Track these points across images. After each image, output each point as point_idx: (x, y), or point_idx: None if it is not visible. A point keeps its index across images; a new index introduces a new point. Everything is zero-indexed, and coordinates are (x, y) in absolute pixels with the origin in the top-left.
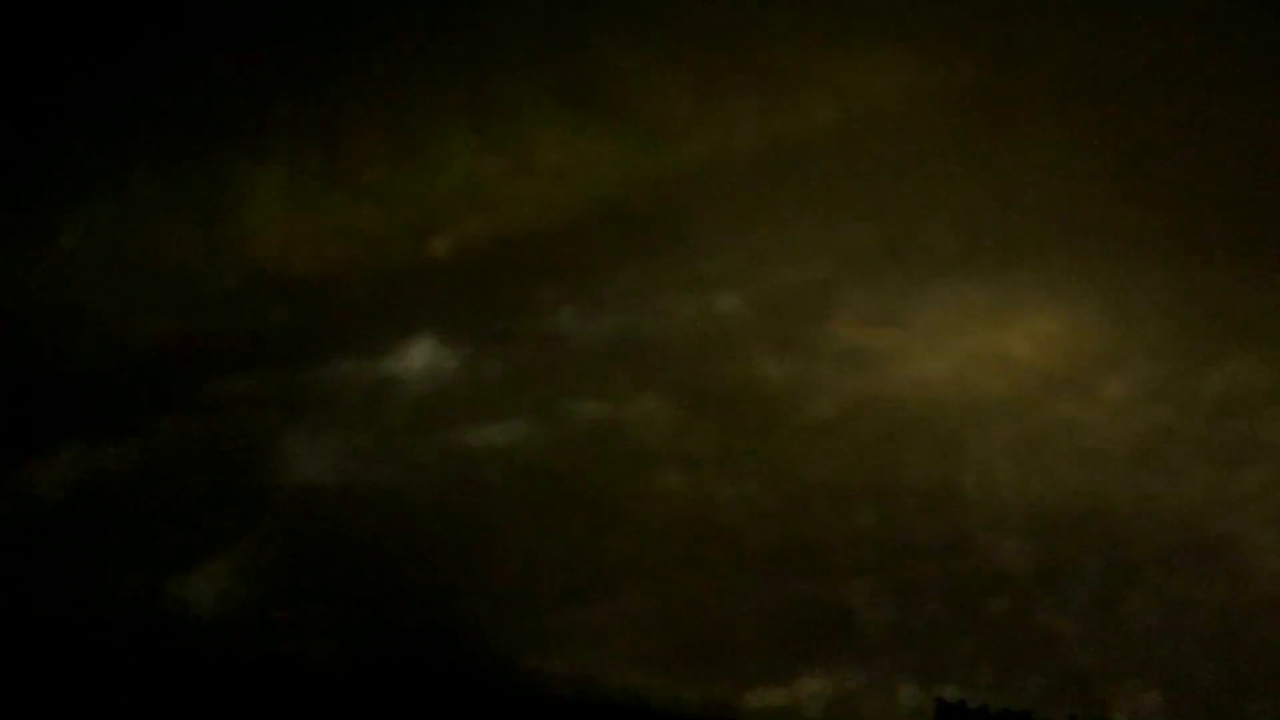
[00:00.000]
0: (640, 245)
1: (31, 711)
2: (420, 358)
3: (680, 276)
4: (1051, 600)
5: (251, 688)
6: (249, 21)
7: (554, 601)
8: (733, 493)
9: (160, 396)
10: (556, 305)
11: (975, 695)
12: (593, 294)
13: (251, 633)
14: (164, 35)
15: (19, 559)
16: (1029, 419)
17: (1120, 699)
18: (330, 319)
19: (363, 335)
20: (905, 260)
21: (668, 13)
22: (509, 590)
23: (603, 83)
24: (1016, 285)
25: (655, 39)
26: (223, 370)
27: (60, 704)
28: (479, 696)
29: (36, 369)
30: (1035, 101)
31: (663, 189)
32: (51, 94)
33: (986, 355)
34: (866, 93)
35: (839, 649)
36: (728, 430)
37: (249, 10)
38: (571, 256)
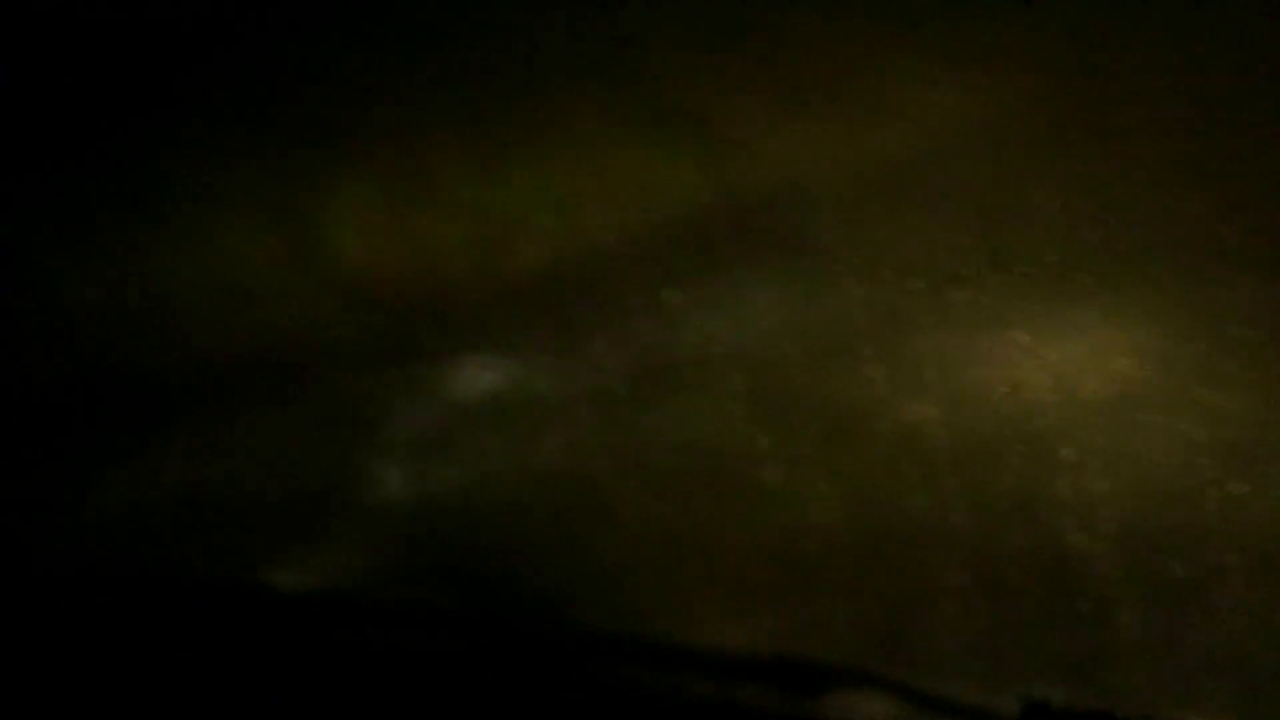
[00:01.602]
0: (726, 259)
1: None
2: (501, 369)
3: (753, 293)
4: (1139, 604)
5: (346, 674)
6: (341, 33)
7: (647, 605)
8: (829, 499)
9: (238, 402)
10: (636, 318)
11: (1061, 696)
12: (676, 306)
13: (346, 623)
14: (254, 46)
15: (118, 557)
16: (1125, 425)
17: (1200, 704)
18: (411, 329)
19: (443, 346)
20: (1004, 272)
21: (750, 28)
22: (605, 592)
23: (685, 95)
24: (1115, 296)
25: (738, 54)
26: (302, 378)
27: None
28: (567, 693)
29: (117, 371)
30: (1132, 116)
31: (746, 202)
32: (147, 104)
33: (1084, 364)
34: (957, 106)
35: (928, 649)
36: (816, 443)
37: (340, 23)
38: (656, 269)
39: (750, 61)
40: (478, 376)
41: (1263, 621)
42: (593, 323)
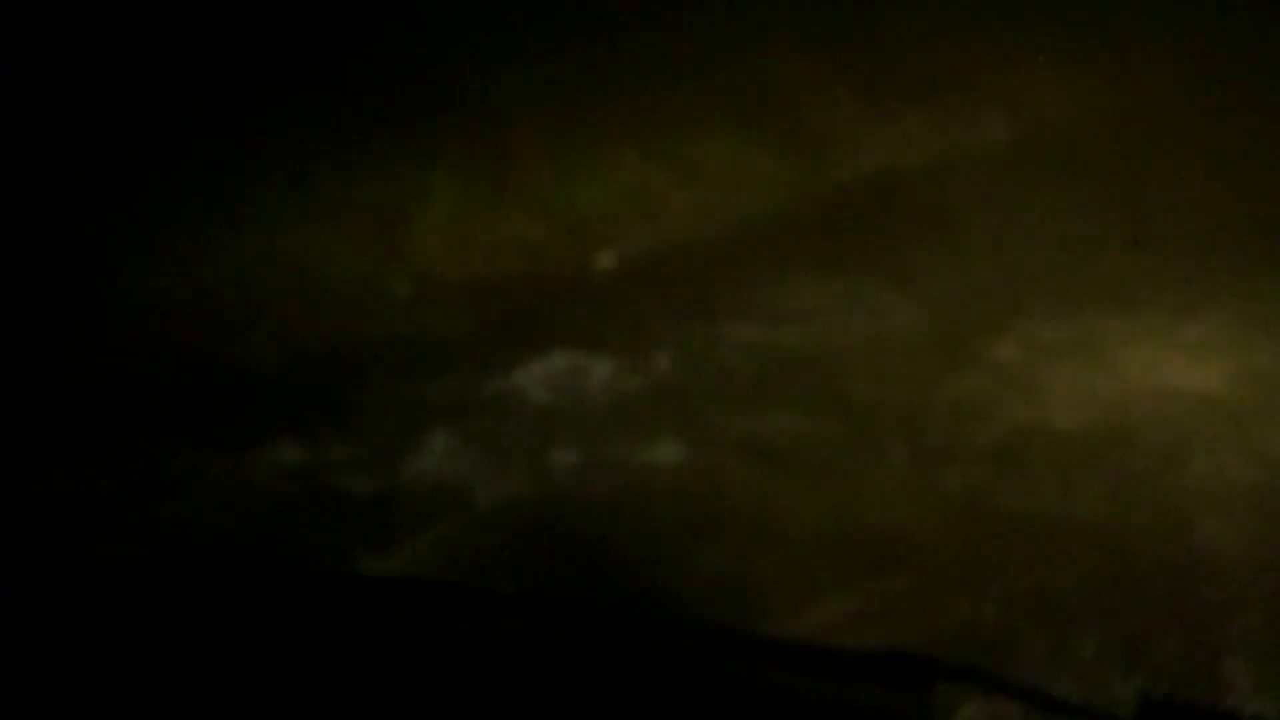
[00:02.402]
0: (808, 259)
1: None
2: (585, 369)
3: (849, 291)
4: (1267, 592)
5: (432, 654)
6: (425, 30)
7: (754, 600)
8: (877, 513)
9: (331, 399)
10: (725, 318)
11: (1184, 690)
12: (761, 307)
13: (450, 610)
14: (342, 43)
15: (196, 551)
16: (1196, 453)
17: None
18: (498, 328)
19: (529, 345)
20: (1086, 281)
21: (835, 25)
22: (659, 603)
23: (769, 95)
24: (1208, 313)
25: (822, 52)
26: (392, 376)
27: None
28: (673, 683)
29: (216, 367)
30: (1225, 118)
31: (831, 202)
32: (233, 103)
33: (1153, 385)
34: (1041, 107)
35: (1047, 640)
36: (902, 448)
37: (420, 20)
38: (739, 269)
39: (840, 62)
40: (558, 375)
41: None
42: (675, 324)
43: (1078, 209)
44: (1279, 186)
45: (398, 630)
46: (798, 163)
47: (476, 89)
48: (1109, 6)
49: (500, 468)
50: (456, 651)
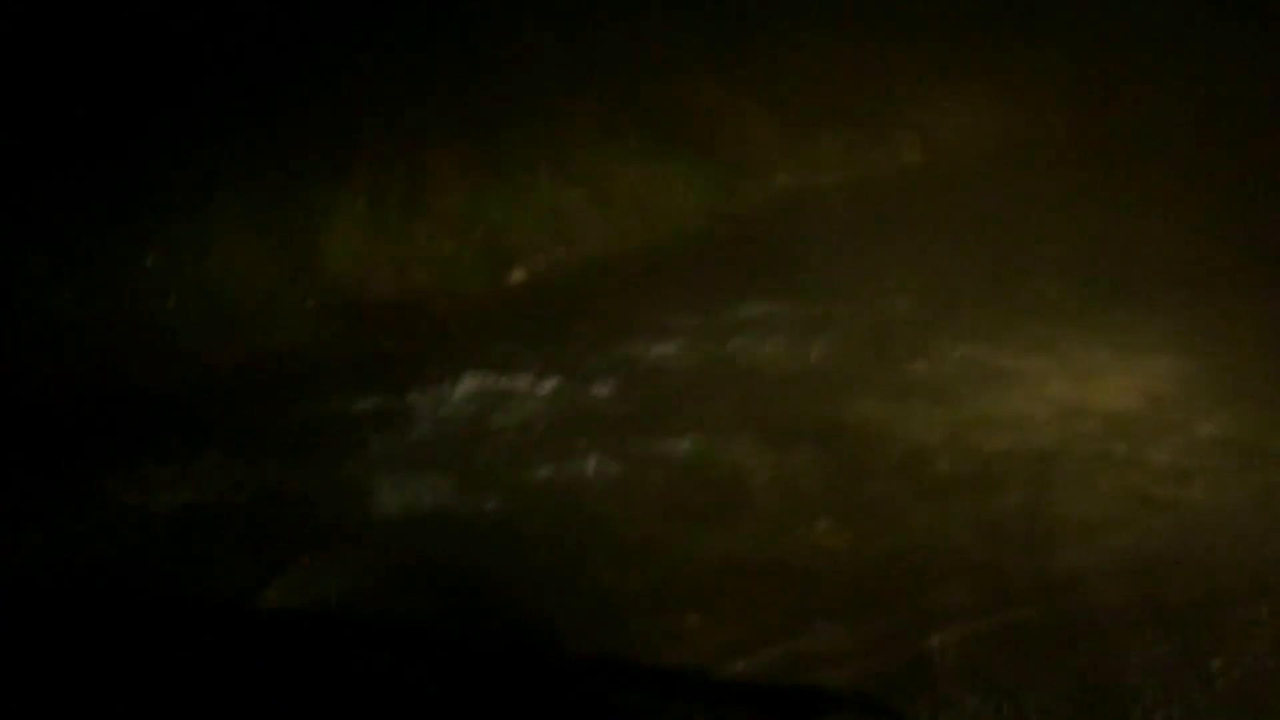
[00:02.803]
0: (721, 279)
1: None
2: (495, 388)
3: (762, 312)
4: (1144, 648)
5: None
6: (332, 49)
7: (639, 635)
8: (827, 528)
9: (238, 418)
10: (637, 338)
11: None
12: (674, 327)
13: (331, 641)
14: (248, 60)
15: (99, 572)
16: (1129, 464)
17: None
18: (408, 346)
19: (438, 363)
20: (1000, 303)
21: (749, 47)
22: (580, 625)
23: (686, 116)
24: (1116, 331)
25: (739, 74)
26: (299, 394)
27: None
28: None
29: (118, 387)
30: (1133, 148)
31: (744, 222)
32: (136, 117)
33: (1084, 401)
34: (957, 133)
35: (918, 694)
36: (816, 467)
37: (331, 38)
38: (653, 290)
39: (754, 83)
40: (469, 395)
41: (1262, 632)
42: (589, 344)
43: (987, 232)
44: (1193, 216)
45: (278, 662)
46: (711, 183)
47: (388, 107)
48: (1020, 31)
49: (402, 490)
50: (331, 686)
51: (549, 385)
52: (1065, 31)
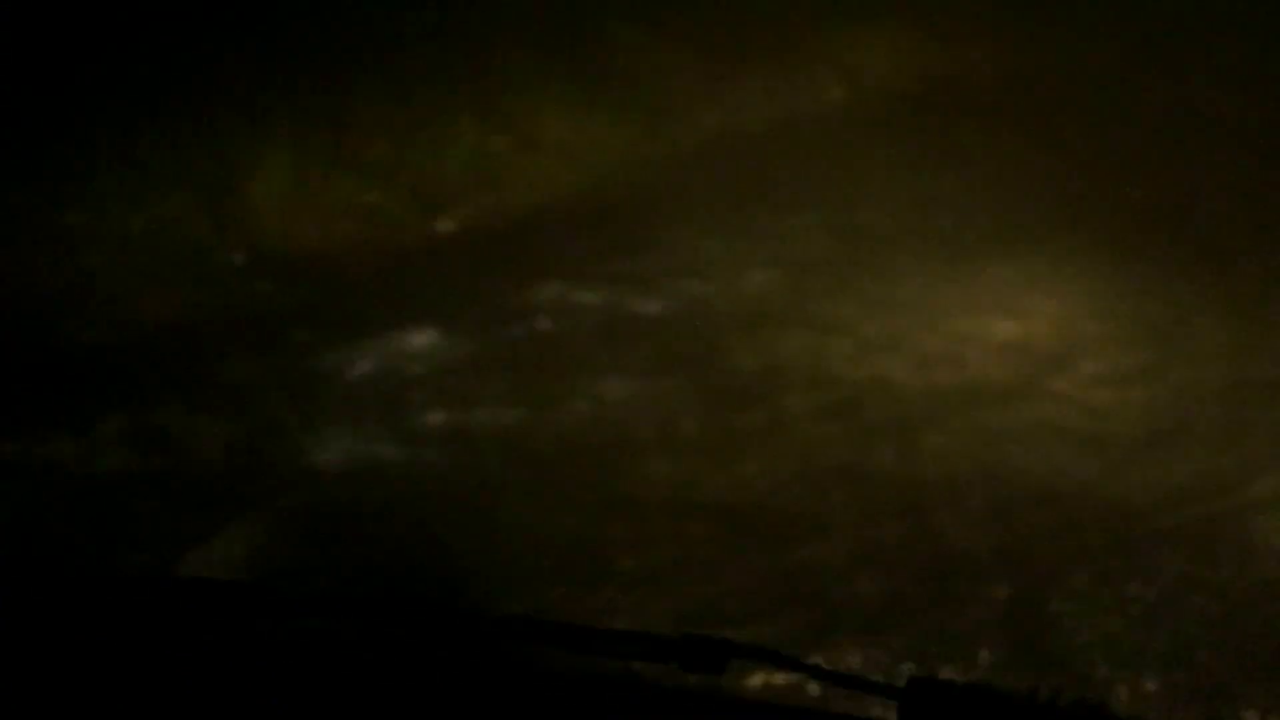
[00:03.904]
0: (647, 223)
1: (47, 686)
2: (425, 337)
3: (689, 255)
4: (1052, 583)
5: (261, 657)
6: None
7: (553, 579)
8: (723, 475)
9: (167, 375)
10: (563, 285)
11: (964, 674)
12: (602, 272)
13: (265, 605)
14: (171, 10)
15: (24, 537)
16: (1028, 401)
17: (1117, 685)
18: (336, 298)
19: (368, 314)
20: (910, 245)
21: None
22: (510, 569)
23: (609, 59)
24: (1018, 271)
25: (663, 15)
26: (229, 349)
27: (75, 673)
28: (481, 672)
29: (42, 346)
30: (1059, 88)
31: (670, 166)
32: (56, 71)
33: (985, 338)
34: (875, 70)
35: (829, 629)
36: (725, 414)
37: None
38: (578, 236)
39: (677, 26)
40: (397, 345)
41: (1115, 596)
42: (513, 290)
43: (912, 171)
44: (1106, 154)
45: (207, 631)
46: (636, 127)
47: (310, 55)
48: None
49: (335, 444)
50: (264, 649)
51: (476, 333)
52: None
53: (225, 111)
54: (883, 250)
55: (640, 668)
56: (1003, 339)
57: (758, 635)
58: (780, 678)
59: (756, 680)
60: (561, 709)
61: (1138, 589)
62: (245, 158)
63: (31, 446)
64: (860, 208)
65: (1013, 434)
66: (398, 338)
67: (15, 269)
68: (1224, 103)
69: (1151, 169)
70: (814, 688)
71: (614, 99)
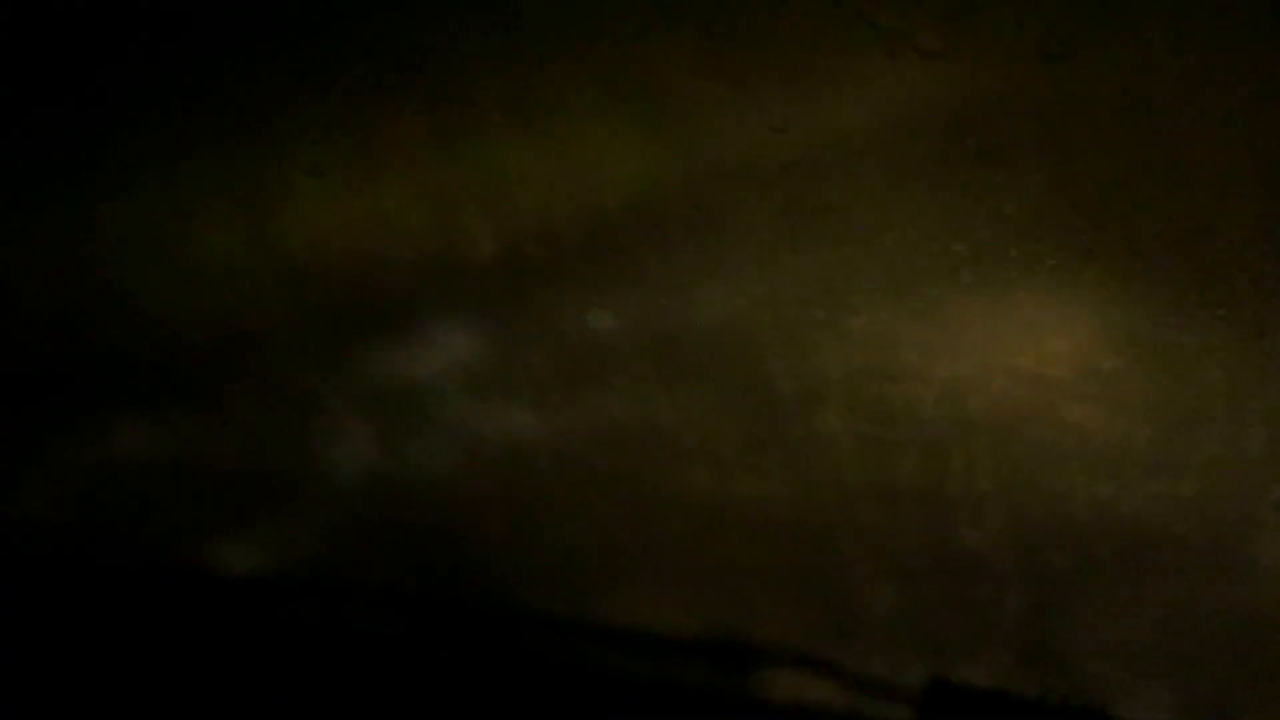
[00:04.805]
0: (682, 240)
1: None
2: (457, 344)
3: (722, 273)
4: (1066, 594)
5: (286, 651)
6: (288, 6)
7: (587, 581)
8: (749, 491)
9: (201, 381)
10: (601, 295)
11: (980, 679)
12: (636, 284)
13: (287, 602)
14: (207, 22)
15: (57, 534)
16: (1046, 426)
17: (1126, 691)
18: (360, 310)
19: (402, 327)
20: (939, 274)
21: (712, 9)
22: (545, 571)
23: (643, 74)
24: (1039, 304)
25: (693, 35)
26: (261, 355)
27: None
28: (512, 672)
29: (81, 349)
30: (1066, 124)
31: (704, 183)
32: (96, 81)
33: (1008, 368)
34: (894, 101)
35: (851, 634)
36: (762, 426)
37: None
38: (608, 251)
39: (723, 42)
40: (414, 359)
41: (1126, 607)
42: (528, 307)
43: (938, 200)
44: (1102, 176)
45: (247, 624)
46: (670, 143)
47: (343, 63)
48: None
49: (360, 453)
50: (304, 644)
51: (502, 344)
52: None
53: (259, 122)
54: (912, 280)
55: (668, 668)
56: (1024, 369)
57: (783, 638)
58: (803, 679)
59: (780, 681)
60: (590, 708)
61: (1147, 599)
62: (277, 171)
63: (62, 445)
64: (889, 239)
65: (1031, 456)
66: (427, 344)
67: (53, 276)
68: (1239, 129)
69: (1166, 200)
70: (836, 689)
71: (647, 114)
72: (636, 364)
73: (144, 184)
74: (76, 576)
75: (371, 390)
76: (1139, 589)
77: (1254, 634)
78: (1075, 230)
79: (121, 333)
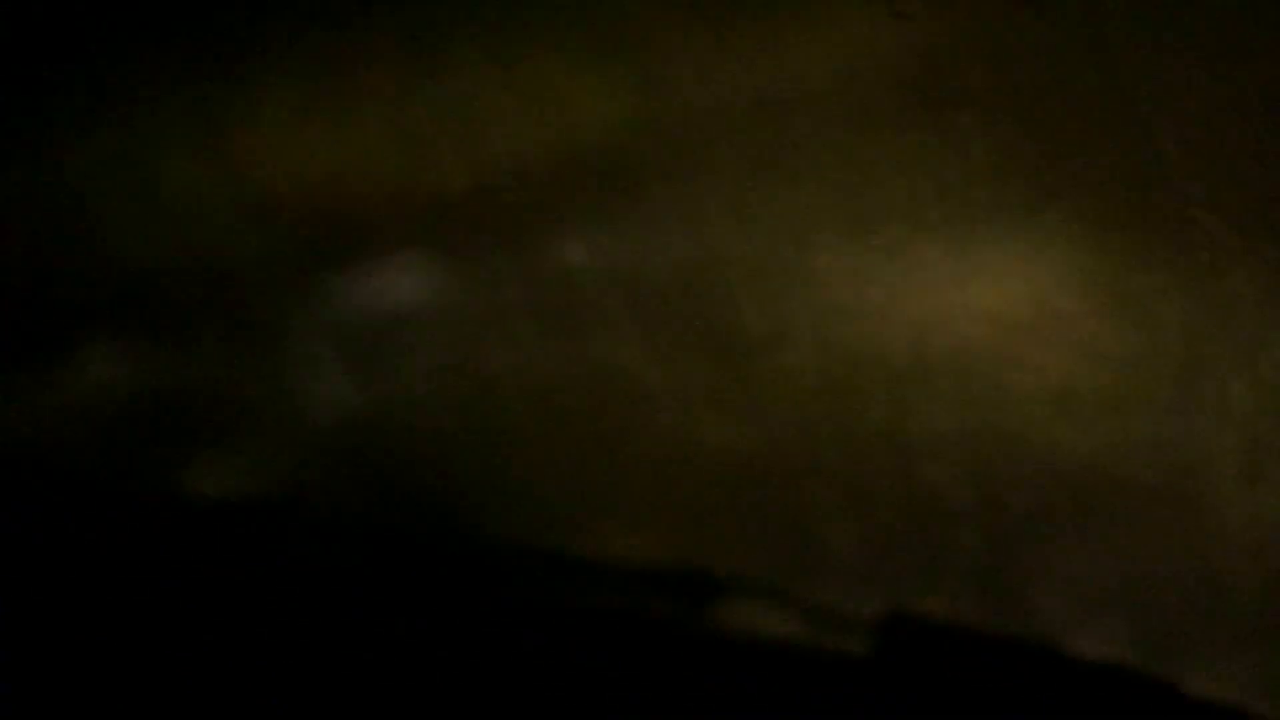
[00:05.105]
0: (652, 184)
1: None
2: (427, 284)
3: (692, 218)
4: (1023, 530)
5: (257, 582)
6: None
7: (557, 522)
8: (717, 429)
9: (169, 317)
10: (570, 239)
11: (938, 611)
12: (605, 228)
13: (261, 532)
14: None
15: (22, 464)
16: (1007, 367)
17: (1080, 625)
18: (326, 244)
19: (374, 262)
20: (904, 217)
21: None
22: (517, 509)
23: (619, 19)
24: (1002, 247)
25: None
26: (231, 291)
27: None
28: (481, 605)
29: (40, 292)
30: (1032, 73)
31: (675, 129)
32: (62, 13)
33: (971, 309)
34: (865, 48)
35: (812, 569)
36: (730, 369)
37: None
38: (583, 190)
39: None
40: (392, 295)
41: (1080, 544)
42: (501, 245)
43: (906, 148)
44: (1068, 120)
45: (210, 553)
46: (642, 88)
47: (322, 11)
48: None
49: (325, 387)
50: (272, 577)
51: (475, 281)
52: None
53: (224, 57)
54: (879, 221)
55: (635, 601)
56: (986, 309)
57: (746, 570)
58: (767, 611)
59: (744, 613)
60: (557, 640)
61: (1102, 538)
62: (245, 104)
63: (28, 378)
64: (858, 182)
65: (992, 396)
66: (396, 284)
67: (13, 218)
68: (1199, 75)
69: (1128, 145)
70: (798, 621)
71: (621, 59)
72: (606, 301)
73: (110, 119)
74: (43, 507)
75: (340, 324)
76: (1094, 527)
77: (1207, 574)
78: (1039, 171)
79: (90, 266)
